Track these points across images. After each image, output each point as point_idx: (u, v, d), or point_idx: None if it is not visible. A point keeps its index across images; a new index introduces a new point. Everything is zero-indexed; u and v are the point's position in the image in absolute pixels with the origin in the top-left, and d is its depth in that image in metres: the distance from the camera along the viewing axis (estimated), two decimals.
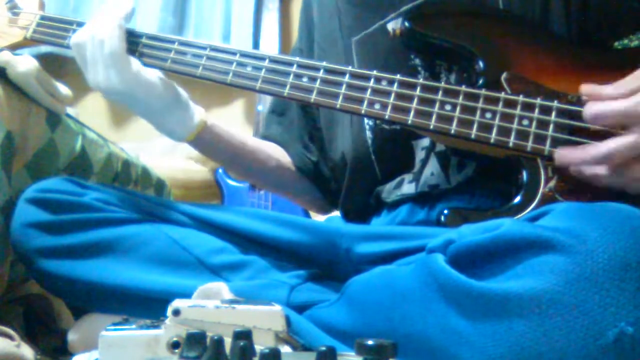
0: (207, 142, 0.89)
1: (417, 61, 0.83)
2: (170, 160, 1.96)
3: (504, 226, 0.54)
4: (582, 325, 0.47)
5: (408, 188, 0.83)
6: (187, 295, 0.67)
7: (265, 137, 1.04)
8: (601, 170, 0.64)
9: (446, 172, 0.80)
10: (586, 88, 0.67)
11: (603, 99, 0.65)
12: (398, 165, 0.84)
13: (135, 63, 0.80)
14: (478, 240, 0.55)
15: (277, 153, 1.01)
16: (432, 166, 0.81)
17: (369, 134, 0.86)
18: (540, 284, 0.49)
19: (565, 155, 0.66)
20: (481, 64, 0.75)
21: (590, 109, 0.65)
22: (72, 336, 0.77)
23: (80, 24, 0.86)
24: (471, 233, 0.57)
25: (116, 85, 0.79)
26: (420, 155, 0.83)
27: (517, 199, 0.69)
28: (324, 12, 0.97)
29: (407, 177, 0.84)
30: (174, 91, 0.83)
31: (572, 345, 0.47)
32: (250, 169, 0.99)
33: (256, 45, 2.17)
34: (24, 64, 0.88)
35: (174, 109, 0.83)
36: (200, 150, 0.92)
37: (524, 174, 0.70)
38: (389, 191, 0.86)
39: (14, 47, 0.92)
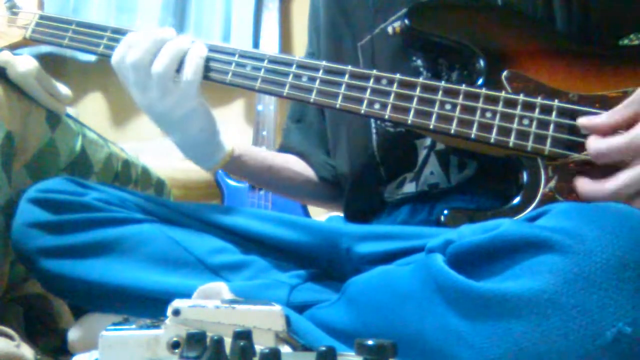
0: (234, 169, 0.94)
1: (419, 62, 0.83)
2: (170, 160, 1.96)
3: (503, 226, 0.54)
4: (580, 325, 0.47)
5: (408, 187, 0.83)
6: (187, 295, 0.67)
7: (286, 149, 1.06)
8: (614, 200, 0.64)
9: (446, 171, 0.80)
10: (582, 121, 0.67)
11: (600, 131, 0.65)
12: (402, 165, 0.85)
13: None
14: (477, 241, 0.55)
15: (302, 167, 1.03)
16: (432, 165, 0.81)
17: (374, 137, 0.86)
18: (539, 284, 0.49)
19: (581, 189, 0.67)
20: (481, 61, 0.75)
21: (592, 147, 0.65)
22: (72, 336, 0.77)
23: (79, 24, 0.86)
24: (471, 233, 0.57)
25: (174, 110, 0.81)
26: (422, 154, 0.83)
27: (518, 199, 0.69)
28: (329, 15, 0.97)
29: (409, 176, 0.84)
30: (214, 124, 0.86)
31: (570, 346, 0.47)
32: (279, 187, 1.04)
33: (256, 45, 2.17)
34: (24, 64, 0.88)
35: (206, 143, 0.87)
36: (230, 173, 0.97)
37: (524, 174, 0.70)
38: (391, 191, 0.86)
39: (14, 47, 0.92)
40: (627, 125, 0.63)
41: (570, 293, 0.48)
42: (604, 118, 0.65)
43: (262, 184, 1.03)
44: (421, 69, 0.83)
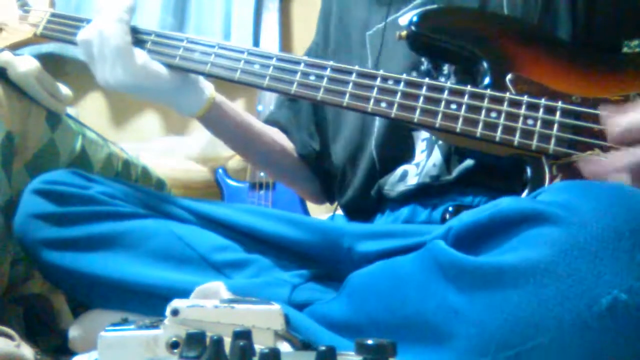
0: (215, 118, 0.90)
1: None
2: (170, 160, 1.96)
3: (502, 204, 0.55)
4: (576, 293, 0.47)
5: (412, 180, 0.83)
6: (189, 291, 0.67)
7: (271, 122, 1.05)
8: (621, 179, 0.64)
9: (447, 162, 0.81)
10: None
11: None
12: (396, 153, 0.85)
13: (140, 55, 0.81)
14: (476, 219, 0.56)
15: (281, 138, 1.02)
16: (435, 157, 0.82)
17: (377, 122, 0.87)
18: (534, 254, 0.49)
19: (588, 168, 0.67)
20: (486, 66, 0.75)
21: (620, 123, 0.66)
22: (73, 333, 0.77)
23: (89, 22, 0.87)
24: (471, 214, 0.58)
25: (123, 79, 0.79)
26: (421, 146, 0.83)
27: None
28: (342, 5, 0.98)
29: (411, 169, 0.84)
30: (180, 74, 0.84)
31: (566, 314, 0.47)
32: (255, 150, 1.01)
33: (256, 45, 2.17)
34: (25, 64, 0.88)
35: (182, 91, 0.84)
36: (209, 128, 0.93)
37: (529, 173, 0.70)
38: (392, 184, 0.86)
39: (24, 44, 0.93)
40: None
41: (566, 262, 0.48)
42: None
43: (240, 144, 1.00)
44: (422, 59, 0.84)
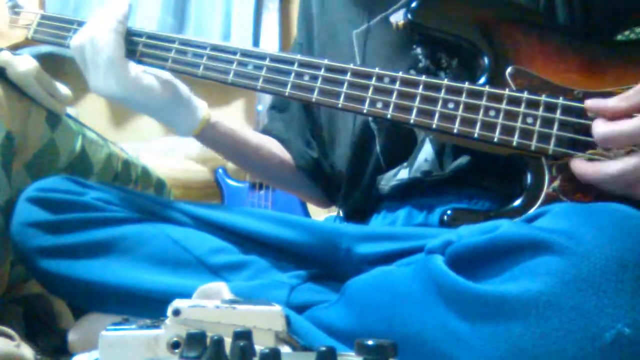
0: (210, 138, 0.91)
1: (419, 50, 0.83)
2: (170, 160, 1.96)
3: (502, 228, 0.54)
4: (579, 326, 0.47)
5: (402, 174, 0.83)
6: (187, 295, 0.67)
7: (267, 132, 1.05)
8: (612, 186, 0.64)
9: (440, 158, 0.80)
10: (590, 103, 0.66)
11: (609, 114, 0.64)
12: (401, 152, 0.84)
13: (133, 68, 0.81)
14: (476, 242, 0.55)
15: (278, 149, 1.02)
16: (426, 152, 0.81)
17: (373, 125, 0.86)
18: (537, 285, 0.49)
19: (579, 168, 0.66)
20: (485, 57, 0.74)
21: (599, 131, 0.64)
22: (72, 336, 0.77)
23: (81, 24, 0.86)
24: (469, 234, 0.57)
25: (115, 90, 0.80)
26: (419, 141, 0.82)
27: (520, 200, 0.69)
28: (323, 5, 0.97)
29: (405, 164, 0.83)
30: (174, 91, 0.84)
31: (569, 347, 0.47)
32: (253, 165, 1.02)
33: (256, 45, 2.17)
34: (24, 64, 0.88)
35: (175, 108, 0.85)
36: (205, 145, 0.94)
37: (528, 174, 0.69)
38: (388, 179, 0.85)
39: (15, 47, 0.92)
40: (636, 111, 0.62)
41: (569, 294, 0.48)
42: (613, 102, 0.64)
43: (237, 159, 1.01)
44: (420, 57, 0.83)
